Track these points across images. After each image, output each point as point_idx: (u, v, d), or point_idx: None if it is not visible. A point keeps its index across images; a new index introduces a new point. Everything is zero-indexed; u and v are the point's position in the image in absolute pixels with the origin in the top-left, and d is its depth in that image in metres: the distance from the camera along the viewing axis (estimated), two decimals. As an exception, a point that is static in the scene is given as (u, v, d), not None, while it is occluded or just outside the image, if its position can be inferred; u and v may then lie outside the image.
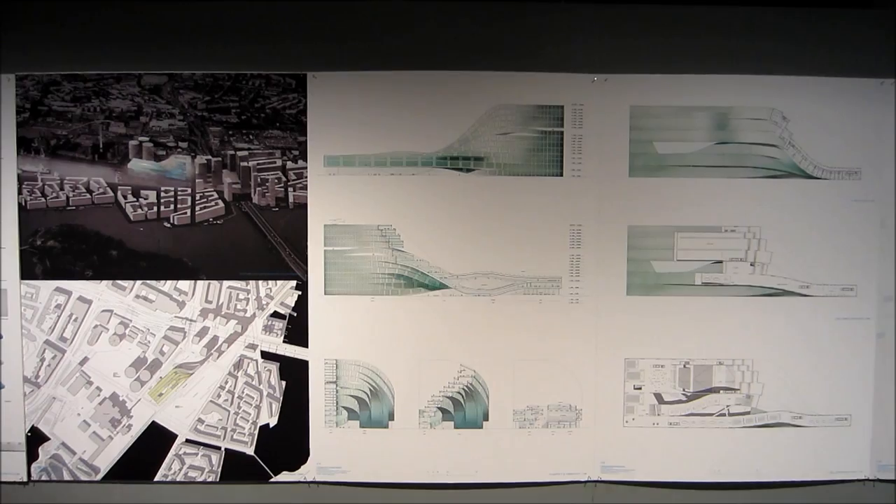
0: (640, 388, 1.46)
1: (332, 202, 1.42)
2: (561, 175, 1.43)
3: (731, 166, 1.44)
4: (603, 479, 1.48)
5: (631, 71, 1.42)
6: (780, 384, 1.46)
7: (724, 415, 1.47)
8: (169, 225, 1.42)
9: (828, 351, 1.47)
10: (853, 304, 1.47)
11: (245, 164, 1.41)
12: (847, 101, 1.44)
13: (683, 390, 1.47)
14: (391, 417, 1.46)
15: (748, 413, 1.47)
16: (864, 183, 1.46)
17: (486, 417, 1.46)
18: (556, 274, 1.44)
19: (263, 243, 1.42)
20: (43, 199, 1.41)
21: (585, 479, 1.48)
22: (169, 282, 1.43)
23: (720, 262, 1.45)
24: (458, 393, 1.45)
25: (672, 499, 1.48)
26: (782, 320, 1.46)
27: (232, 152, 1.41)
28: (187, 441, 1.45)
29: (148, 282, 1.43)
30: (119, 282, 1.43)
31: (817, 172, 1.45)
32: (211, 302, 1.43)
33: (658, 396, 1.47)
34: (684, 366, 1.46)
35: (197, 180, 1.41)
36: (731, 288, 1.45)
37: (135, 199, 1.41)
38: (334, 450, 1.46)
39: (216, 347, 1.44)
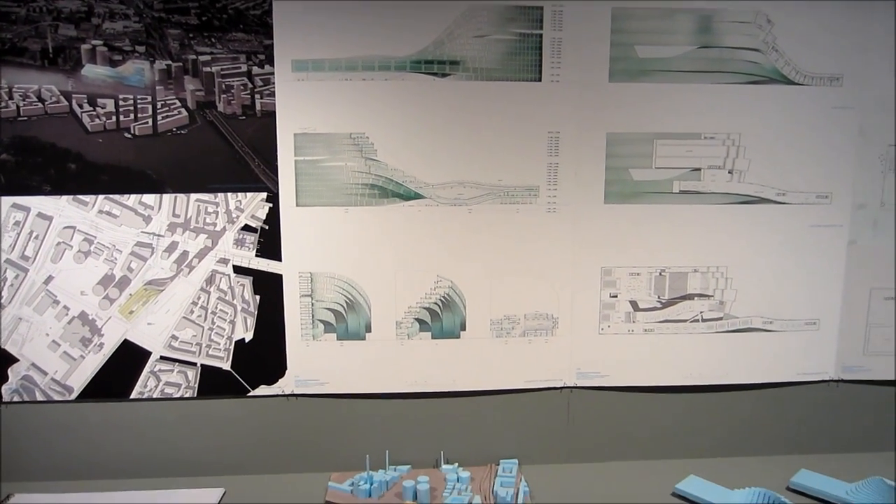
0: (615, 296, 1.48)
1: (301, 110, 1.36)
2: (539, 80, 1.38)
3: (713, 71, 1.41)
4: (578, 385, 1.51)
5: (613, -31, 1.36)
6: (752, 290, 1.49)
7: (697, 321, 1.49)
8: (130, 135, 1.35)
9: (800, 258, 1.49)
10: (827, 212, 1.48)
11: (208, 69, 1.34)
12: (833, 4, 1.40)
13: (658, 297, 1.48)
14: (368, 329, 1.45)
15: (721, 319, 1.50)
16: (845, 90, 1.44)
17: (463, 327, 1.46)
18: (534, 183, 1.42)
19: (231, 154, 1.37)
20: (-9, 109, 1.32)
21: (561, 385, 1.51)
22: (133, 196, 1.38)
23: (698, 169, 1.44)
24: (435, 304, 1.45)
25: (645, 403, 1.52)
26: (758, 228, 1.46)
27: (193, 57, 1.33)
28: (162, 358, 1.44)
29: (111, 196, 1.37)
30: (80, 196, 1.37)
31: (799, 78, 1.42)
32: (178, 216, 1.39)
33: (633, 304, 1.48)
34: (660, 273, 1.47)
35: (157, 87, 1.34)
36: (708, 196, 1.45)
37: (91, 109, 1.33)
38: (311, 363, 1.46)
39: (186, 263, 1.41)
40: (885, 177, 1.47)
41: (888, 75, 1.43)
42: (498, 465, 1.50)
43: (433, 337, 1.47)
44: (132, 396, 1.44)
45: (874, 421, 1.57)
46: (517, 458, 1.52)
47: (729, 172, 1.44)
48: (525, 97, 1.39)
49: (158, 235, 1.39)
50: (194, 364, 1.44)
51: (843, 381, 1.55)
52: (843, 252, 1.49)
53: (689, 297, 1.49)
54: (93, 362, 1.43)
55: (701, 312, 1.49)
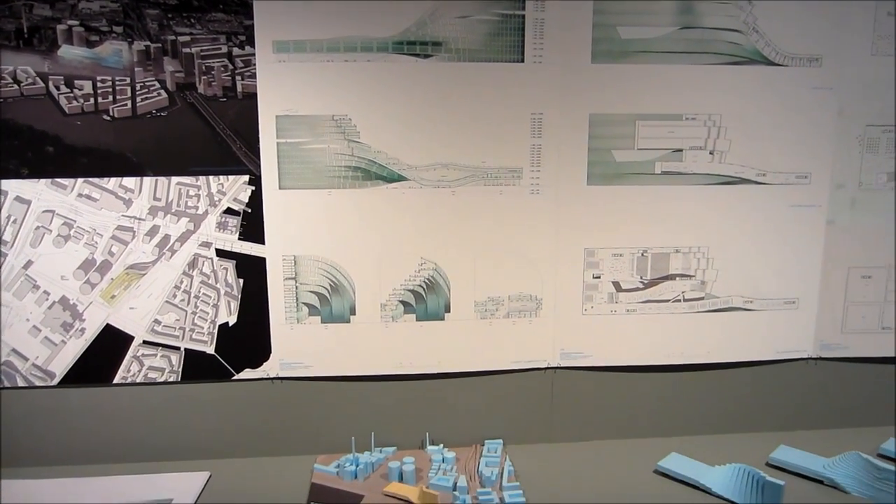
0: (598, 277, 1.49)
1: (283, 91, 1.35)
2: (522, 61, 1.38)
3: (694, 52, 1.41)
4: (562, 365, 1.52)
5: (595, -51, 1.36)
6: (733, 270, 1.50)
7: (679, 301, 1.51)
8: (109, 118, 1.33)
9: (780, 238, 1.50)
10: (806, 192, 1.50)
11: (188, 50, 1.32)
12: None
13: (641, 278, 1.49)
14: (352, 312, 1.45)
15: (702, 298, 1.51)
16: (824, 70, 1.45)
17: (447, 309, 1.47)
18: (517, 164, 1.42)
19: (212, 136, 1.35)
20: (-35, 91, 1.30)
21: (545, 366, 1.52)
22: (113, 179, 1.36)
23: (680, 150, 1.45)
24: (420, 286, 1.45)
25: (628, 382, 1.54)
26: (738, 208, 1.48)
27: (173, 38, 1.32)
28: (145, 342, 1.43)
29: (90, 179, 1.36)
30: (59, 180, 1.35)
31: (779, 59, 1.43)
32: (160, 199, 1.37)
33: (616, 284, 1.49)
34: (642, 254, 1.48)
35: (136, 69, 1.32)
36: (689, 176, 1.46)
37: (68, 90, 1.32)
38: (296, 346, 1.46)
39: (168, 246, 1.40)
40: (862, 157, 1.49)
41: (867, 56, 1.45)
42: (483, 445, 1.52)
43: (417, 319, 1.47)
44: (115, 381, 1.44)
45: (851, 397, 1.61)
46: (502, 438, 1.53)
47: (710, 153, 1.45)
48: (508, 78, 1.38)
49: (139, 219, 1.38)
50: (178, 348, 1.44)
51: (821, 358, 1.58)
52: (821, 232, 1.51)
53: (671, 277, 1.50)
54: (74, 347, 1.41)
55: (683, 292, 1.51)
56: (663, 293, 1.50)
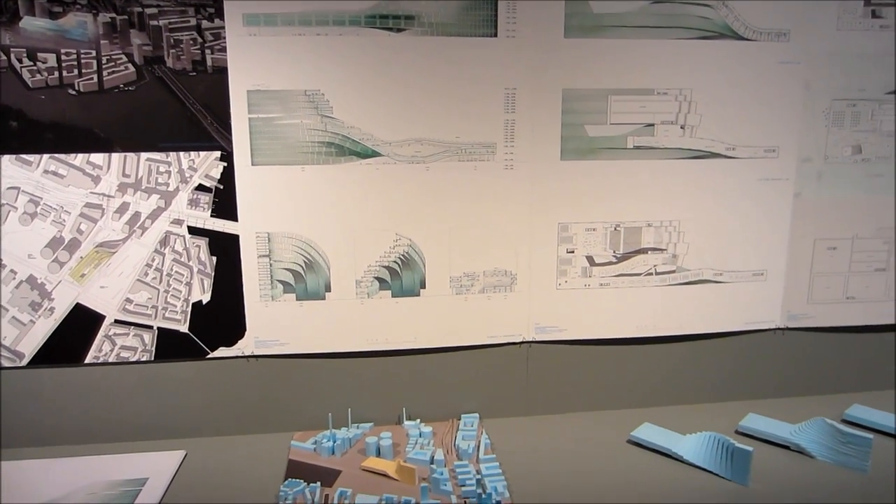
0: (572, 252, 1.50)
1: (254, 66, 1.33)
2: (495, 36, 1.38)
3: (665, 27, 1.42)
4: (537, 339, 1.54)
5: (567, -78, 1.36)
6: (703, 243, 1.53)
7: (651, 274, 1.53)
8: (74, 92, 1.30)
9: (749, 211, 1.53)
10: (774, 166, 1.52)
11: (155, 22, 1.29)
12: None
13: (614, 252, 1.51)
14: (328, 289, 1.45)
15: (674, 272, 1.54)
16: (792, 45, 1.47)
17: (423, 285, 1.47)
18: (491, 139, 1.42)
19: (182, 111, 1.33)
20: (-77, 64, 1.26)
21: (520, 340, 1.53)
22: (80, 155, 1.33)
23: (652, 125, 1.46)
24: (395, 262, 1.45)
25: (602, 355, 1.56)
26: (709, 182, 1.50)
27: (139, 9, 1.29)
28: (116, 321, 1.41)
29: (56, 155, 1.33)
30: (23, 156, 1.32)
31: (748, 34, 1.45)
32: (129, 176, 1.35)
33: (590, 259, 1.51)
34: (615, 228, 1.50)
35: (101, 41, 1.29)
36: (661, 151, 1.47)
37: (32, 63, 1.28)
38: (271, 323, 1.45)
39: (139, 224, 1.37)
40: (828, 131, 1.52)
41: (832, 30, 1.47)
42: (459, 419, 1.53)
43: (393, 295, 1.47)
44: (87, 361, 1.42)
45: (817, 366, 1.65)
46: (478, 412, 1.55)
47: (681, 128, 1.47)
48: (481, 53, 1.38)
49: (108, 196, 1.36)
50: (150, 327, 1.42)
51: (788, 328, 1.62)
52: (789, 204, 1.54)
53: (644, 251, 1.52)
54: (44, 327, 1.39)
55: (655, 266, 1.53)
56: (636, 267, 1.53)
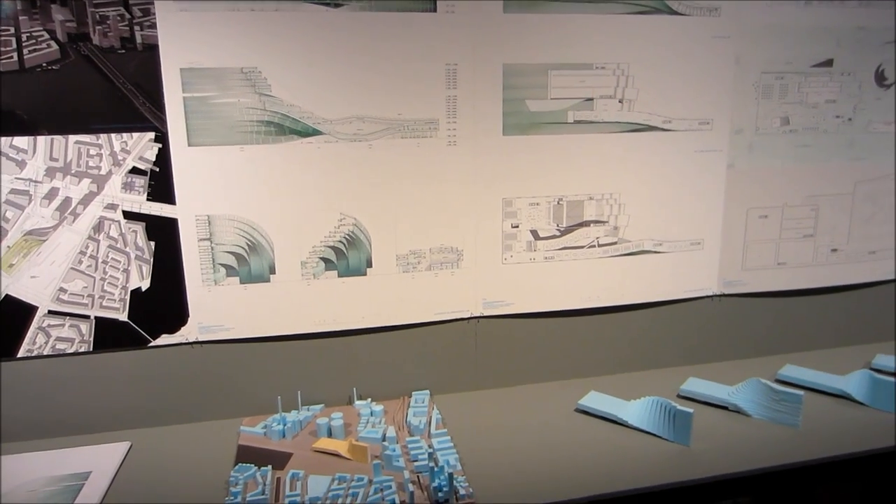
0: (517, 227, 1.52)
1: (187, 43, 1.28)
2: (435, 11, 1.37)
3: (602, 2, 1.44)
4: (485, 314, 1.55)
5: None
6: (643, 214, 1.57)
7: (594, 246, 1.56)
8: (-7, 72, 1.23)
9: (685, 182, 1.58)
10: (708, 138, 1.57)
11: (78, -2, 1.24)
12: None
13: (557, 226, 1.54)
14: (272, 271, 1.42)
15: (615, 243, 1.57)
16: (723, 20, 1.51)
17: (369, 264, 1.46)
18: (433, 116, 1.42)
19: (111, 91, 1.28)
20: None
21: (468, 316, 1.54)
22: (3, 139, 1.27)
23: (591, 99, 1.48)
24: (340, 241, 1.44)
25: (548, 327, 1.59)
26: (647, 155, 1.54)
27: (60, -16, 1.23)
28: (50, 312, 1.35)
29: (-24, 140, 1.26)
30: (-60, 141, 1.25)
31: (681, 9, 1.48)
32: (57, 160, 1.29)
33: (534, 233, 1.53)
34: (558, 202, 1.52)
35: (20, 18, 1.22)
36: (601, 125, 1.50)
37: (-56, 42, 1.21)
38: (215, 308, 1.42)
39: (70, 210, 1.32)
40: (758, 103, 1.57)
41: (761, 4, 1.52)
42: (410, 397, 1.54)
43: (339, 275, 1.46)
44: (20, 355, 1.36)
45: (752, 330, 1.72)
46: (429, 389, 1.56)
47: (619, 102, 1.50)
48: (421, 28, 1.37)
49: (35, 182, 1.29)
50: (87, 317, 1.37)
51: (724, 295, 1.68)
52: (723, 175, 1.60)
53: (586, 223, 1.55)
54: (-29, 322, 1.33)
55: (597, 238, 1.56)
56: (579, 239, 1.55)
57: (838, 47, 1.59)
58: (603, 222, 1.56)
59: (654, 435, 1.35)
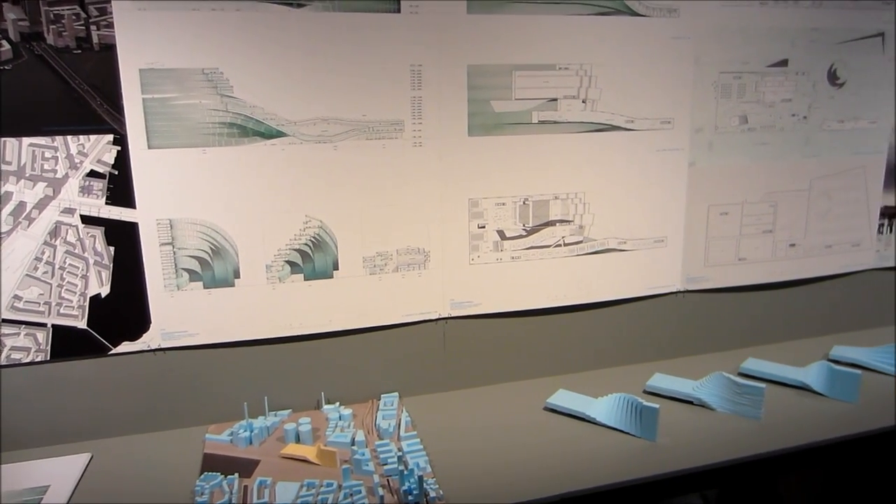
0: (483, 227, 1.52)
1: (145, 43, 1.26)
2: (399, 12, 1.37)
3: (565, 3, 1.46)
4: (453, 315, 1.55)
5: None
6: (607, 213, 1.59)
7: (560, 245, 1.58)
8: (-60, 73, 1.19)
9: (648, 180, 1.60)
10: (670, 137, 1.60)
11: (30, -4, 1.20)
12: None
13: (523, 226, 1.54)
14: (237, 275, 1.40)
15: (581, 242, 1.59)
16: (682, 21, 1.54)
17: (335, 267, 1.45)
18: (398, 117, 1.41)
19: (67, 92, 1.24)
20: None
21: (436, 317, 1.54)
22: (-48, 142, 1.23)
23: (555, 99, 1.49)
24: (306, 244, 1.42)
25: (516, 327, 1.60)
26: (610, 154, 1.56)
27: (11, -18, 1.19)
28: (5, 321, 1.31)
29: (-76, 144, 1.22)
30: None
31: (641, 10, 1.51)
32: (10, 163, 1.25)
33: (500, 233, 1.53)
34: (524, 202, 1.53)
35: (-31, 17, 1.18)
36: (565, 125, 1.51)
37: None
38: (178, 314, 1.39)
39: (25, 215, 1.28)
40: (717, 102, 1.61)
41: (718, 6, 1.55)
42: (379, 400, 1.53)
43: (306, 278, 1.44)
44: (-27, 366, 1.31)
45: (715, 324, 1.76)
46: (398, 391, 1.55)
47: (583, 102, 1.51)
48: (385, 29, 1.37)
49: (-12, 186, 1.25)
50: (44, 325, 1.33)
51: (687, 291, 1.71)
52: (684, 173, 1.63)
53: (552, 223, 1.56)
54: (-80, 332, 1.28)
55: (563, 237, 1.58)
56: (545, 239, 1.56)
57: (793, 47, 1.64)
58: (568, 221, 1.57)
59: (622, 431, 1.37)
